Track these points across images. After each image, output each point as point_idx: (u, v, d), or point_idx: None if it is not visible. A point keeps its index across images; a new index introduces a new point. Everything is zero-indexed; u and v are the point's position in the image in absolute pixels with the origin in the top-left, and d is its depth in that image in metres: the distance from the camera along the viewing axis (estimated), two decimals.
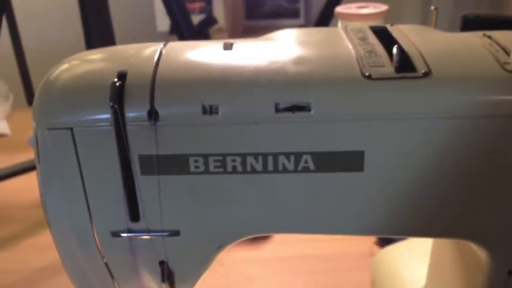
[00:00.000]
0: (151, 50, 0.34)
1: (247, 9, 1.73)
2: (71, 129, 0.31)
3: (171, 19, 0.94)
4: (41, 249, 0.69)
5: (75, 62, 0.34)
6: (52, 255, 0.37)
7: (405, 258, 0.54)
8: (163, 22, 1.52)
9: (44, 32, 1.39)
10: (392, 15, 0.66)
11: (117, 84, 0.31)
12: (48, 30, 1.41)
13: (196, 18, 1.44)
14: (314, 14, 1.56)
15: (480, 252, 0.35)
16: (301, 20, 1.74)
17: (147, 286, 0.38)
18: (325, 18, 0.94)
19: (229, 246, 0.36)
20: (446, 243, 0.42)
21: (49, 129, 0.32)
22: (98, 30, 0.78)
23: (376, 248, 0.66)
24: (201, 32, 1.41)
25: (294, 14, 1.74)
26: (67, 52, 0.37)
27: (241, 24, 1.68)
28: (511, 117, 0.30)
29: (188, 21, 0.94)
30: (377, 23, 0.51)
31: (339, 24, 0.67)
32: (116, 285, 0.38)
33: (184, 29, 0.92)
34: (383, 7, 0.67)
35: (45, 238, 0.36)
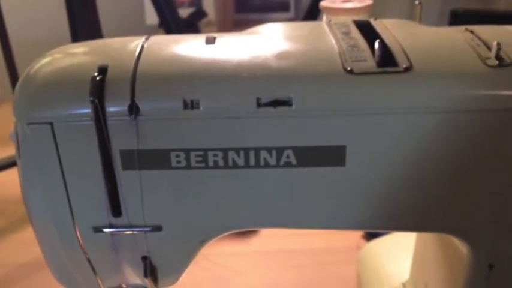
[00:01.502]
0: (133, 44, 0.34)
1: (237, 2, 1.72)
2: (51, 124, 0.31)
3: (158, 13, 0.93)
4: (27, 244, 0.69)
5: (56, 56, 0.34)
6: (37, 250, 0.37)
7: (390, 252, 0.55)
8: (152, 15, 1.51)
9: (30, 25, 1.37)
10: (377, 10, 0.66)
11: (98, 78, 0.31)
12: (35, 23, 1.40)
13: (185, 12, 1.43)
14: (304, 7, 1.56)
15: (462, 247, 0.35)
16: (291, 14, 1.73)
17: (130, 281, 0.38)
18: (313, 12, 0.94)
19: (212, 241, 0.36)
20: (429, 238, 0.43)
21: (29, 124, 0.31)
22: (83, 23, 0.78)
23: (362, 241, 0.66)
24: (191, 26, 1.40)
25: (284, 8, 1.74)
26: (54, 45, 0.36)
27: (231, 17, 1.68)
28: (492, 112, 0.30)
29: (175, 14, 0.94)
30: (362, 17, 0.51)
31: (324, 18, 0.67)
32: (99, 281, 0.37)
33: (171, 22, 0.92)
34: (368, 1, 0.67)
35: (31, 233, 0.36)
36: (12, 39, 1.04)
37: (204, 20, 1.45)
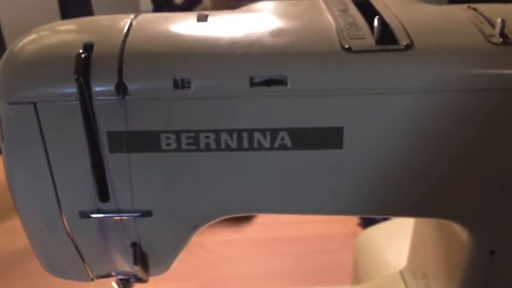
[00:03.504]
0: (122, 21, 0.32)
1: None
2: (34, 103, 0.30)
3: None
4: (16, 232, 0.67)
5: (42, 33, 0.33)
6: (26, 239, 0.36)
7: (387, 239, 0.54)
8: (146, 2, 1.49)
9: (22, 13, 1.36)
10: None
11: (83, 56, 0.29)
12: (26, 11, 1.38)
13: None
14: None
15: (462, 233, 0.34)
16: None
17: (120, 269, 0.37)
18: None
19: (206, 228, 0.34)
20: (428, 224, 0.42)
21: (11, 103, 0.30)
22: (75, 11, 0.76)
23: (359, 229, 0.66)
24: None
25: None
26: None
27: (226, 4, 1.66)
28: (496, 91, 0.29)
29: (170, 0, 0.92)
30: None
31: None
32: (87, 269, 0.36)
33: (165, 8, 0.90)
34: None
35: (20, 222, 0.35)
36: (4, 29, 1.02)
37: (199, 6, 1.43)
